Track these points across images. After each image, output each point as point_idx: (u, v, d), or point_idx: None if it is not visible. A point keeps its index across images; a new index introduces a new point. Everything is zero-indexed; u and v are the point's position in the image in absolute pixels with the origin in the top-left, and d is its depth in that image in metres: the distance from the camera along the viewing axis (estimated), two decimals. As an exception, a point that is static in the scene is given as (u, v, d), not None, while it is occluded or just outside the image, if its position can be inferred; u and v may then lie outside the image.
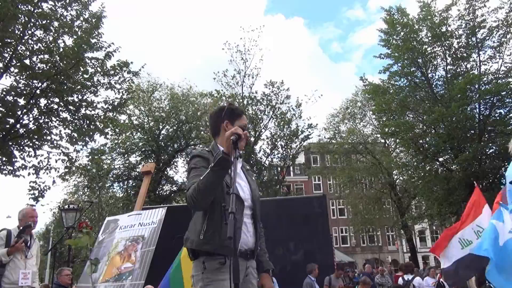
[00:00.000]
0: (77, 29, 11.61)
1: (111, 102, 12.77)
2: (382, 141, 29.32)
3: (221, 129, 2.64)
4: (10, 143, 11.22)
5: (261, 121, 20.59)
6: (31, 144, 11.59)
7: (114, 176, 25.48)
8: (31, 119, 11.57)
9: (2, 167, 11.17)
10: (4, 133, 10.90)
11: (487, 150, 18.21)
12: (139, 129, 25.89)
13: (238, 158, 2.23)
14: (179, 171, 28.85)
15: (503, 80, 17.94)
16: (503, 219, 4.74)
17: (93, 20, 11.89)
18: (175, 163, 27.43)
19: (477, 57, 18.80)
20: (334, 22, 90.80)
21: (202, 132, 26.67)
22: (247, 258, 2.46)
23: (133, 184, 25.57)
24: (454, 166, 18.86)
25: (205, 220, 2.38)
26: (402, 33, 19.53)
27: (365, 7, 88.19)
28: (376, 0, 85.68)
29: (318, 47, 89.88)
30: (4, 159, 11.13)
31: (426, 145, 20.03)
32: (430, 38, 19.20)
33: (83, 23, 11.89)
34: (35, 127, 11.51)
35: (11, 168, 11.29)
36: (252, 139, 19.93)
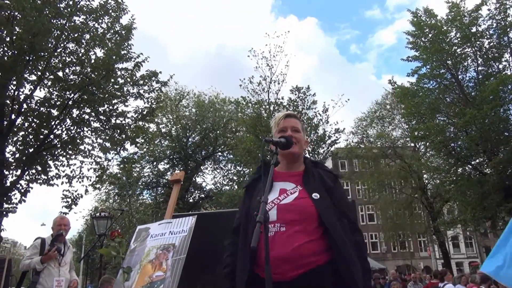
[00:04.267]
0: (107, 42, 11.91)
1: (140, 111, 13.03)
2: (412, 144, 28.72)
3: None
4: (45, 153, 11.56)
5: (287, 127, 20.48)
6: (64, 154, 11.93)
7: (143, 184, 25.87)
8: (64, 129, 11.92)
9: (37, 177, 11.53)
10: (38, 143, 11.25)
11: (522, 153, 17.58)
12: (167, 137, 26.26)
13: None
14: (207, 178, 29.07)
15: (538, 80, 17.34)
16: None
17: (123, 32, 12.19)
18: (202, 170, 27.66)
19: (509, 57, 18.28)
20: (351, 23, 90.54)
21: (228, 139, 26.80)
22: None
23: (162, 191, 25.91)
24: (488, 170, 18.28)
25: None
26: (430, 35, 19.17)
27: (383, 7, 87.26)
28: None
29: (334, 48, 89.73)
30: (39, 168, 11.48)
31: (458, 149, 19.51)
32: (459, 39, 18.75)
33: (114, 35, 12.19)
34: (68, 137, 11.84)
35: (46, 178, 11.64)
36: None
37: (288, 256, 1.89)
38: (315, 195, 2.04)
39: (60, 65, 11.43)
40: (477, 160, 19.61)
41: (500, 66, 18.71)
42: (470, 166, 19.74)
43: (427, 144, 21.43)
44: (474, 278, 12.38)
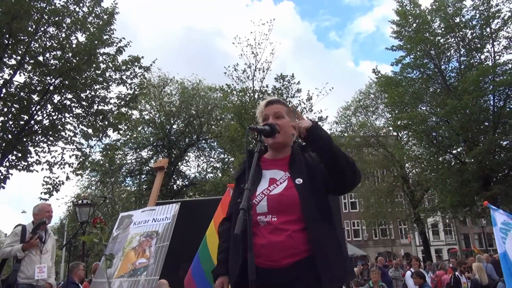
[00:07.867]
0: (89, 26, 11.67)
1: (123, 97, 12.86)
2: (395, 134, 29.05)
3: None
4: (25, 139, 11.35)
5: (272, 115, 20.48)
6: (45, 140, 11.73)
7: (126, 171, 25.66)
8: (45, 115, 11.70)
9: (16, 163, 11.32)
10: (18, 129, 11.03)
11: (501, 142, 17.94)
12: (151, 124, 26.00)
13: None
14: (191, 166, 28.91)
15: (518, 71, 17.64)
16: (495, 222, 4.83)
17: (105, 17, 11.95)
18: (186, 158, 27.54)
19: (491, 48, 18.54)
20: (329, 9, 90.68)
21: (213, 127, 26.68)
22: None
23: (145, 178, 25.74)
24: (467, 159, 18.64)
25: None
26: (414, 25, 19.30)
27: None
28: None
29: (312, 33, 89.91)
30: (19, 155, 11.27)
31: (439, 138, 19.82)
32: (443, 29, 18.95)
33: (95, 19, 11.95)
34: (49, 123, 11.64)
35: (25, 163, 11.44)
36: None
37: (281, 243, 1.89)
38: (298, 180, 2.03)
39: (41, 50, 11.15)
40: (458, 150, 19.99)
41: (482, 57, 19.00)
42: (451, 155, 20.10)
43: (409, 133, 21.72)
44: (444, 265, 12.81)
